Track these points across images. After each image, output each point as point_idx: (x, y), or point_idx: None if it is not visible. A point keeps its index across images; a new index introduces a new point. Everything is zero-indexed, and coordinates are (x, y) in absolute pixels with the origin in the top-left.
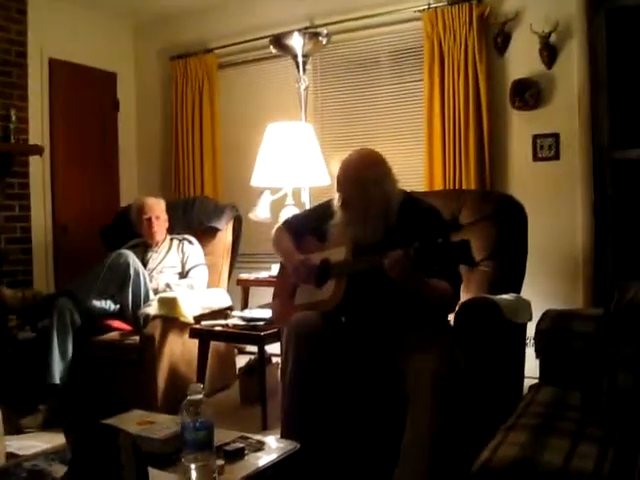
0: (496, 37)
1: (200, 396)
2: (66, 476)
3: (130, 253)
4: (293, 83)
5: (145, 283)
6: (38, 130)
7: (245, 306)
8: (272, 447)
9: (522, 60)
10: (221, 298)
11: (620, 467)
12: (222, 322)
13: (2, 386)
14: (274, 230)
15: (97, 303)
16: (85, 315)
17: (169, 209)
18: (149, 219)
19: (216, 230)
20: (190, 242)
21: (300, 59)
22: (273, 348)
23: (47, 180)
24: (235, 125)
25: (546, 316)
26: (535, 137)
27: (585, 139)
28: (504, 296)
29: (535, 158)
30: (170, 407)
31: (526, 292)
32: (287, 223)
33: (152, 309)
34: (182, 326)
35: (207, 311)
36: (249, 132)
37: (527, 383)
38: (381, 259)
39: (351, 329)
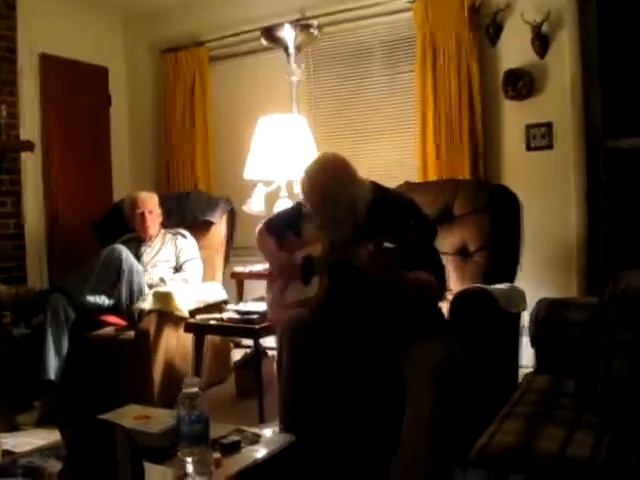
0: (488, 27)
1: (196, 389)
2: (62, 472)
3: (124, 248)
4: (285, 75)
5: (139, 278)
6: (29, 126)
7: (240, 299)
8: (268, 440)
9: (514, 50)
10: (216, 292)
11: (616, 454)
12: (217, 316)
13: None
14: (256, 232)
15: (91, 298)
16: (79, 311)
17: (162, 203)
18: (142, 213)
19: (210, 224)
20: (184, 236)
21: (292, 51)
22: (269, 341)
23: (39, 176)
24: (227, 118)
25: (540, 305)
26: (528, 127)
27: (578, 128)
28: (498, 286)
29: (528, 148)
30: (166, 401)
31: (520, 282)
32: (267, 224)
33: (147, 304)
34: (177, 320)
35: (202, 305)
36: (241, 125)
37: (522, 372)
38: (352, 252)
39: (342, 323)
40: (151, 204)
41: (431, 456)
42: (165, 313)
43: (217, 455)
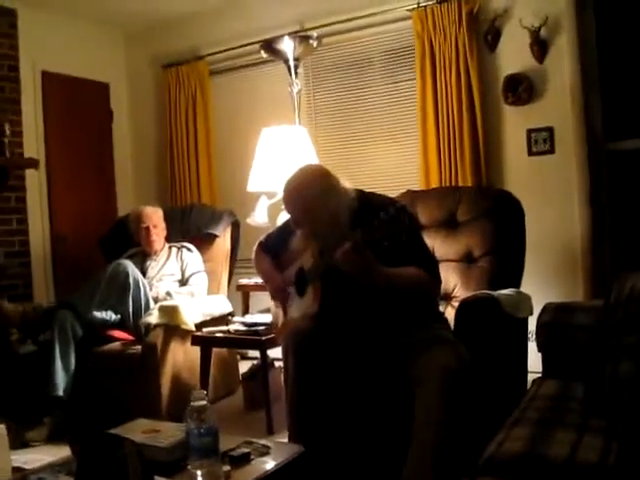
0: (486, 33)
1: (204, 402)
2: None
3: (129, 263)
4: (286, 87)
5: (145, 292)
6: (33, 143)
7: (246, 311)
8: (278, 451)
9: (513, 55)
10: (222, 304)
11: (625, 457)
12: (223, 328)
13: (6, 400)
14: (253, 252)
15: (98, 314)
16: (86, 326)
17: (166, 218)
18: (147, 228)
19: (214, 237)
20: (189, 249)
21: (292, 63)
22: (275, 352)
23: (44, 192)
24: (229, 131)
25: (546, 309)
26: (529, 131)
27: (579, 132)
28: (504, 291)
29: (530, 152)
30: (175, 415)
31: (526, 287)
32: (262, 244)
33: (153, 318)
34: (184, 334)
35: (208, 318)
36: (244, 137)
37: (530, 377)
38: (333, 256)
39: (341, 328)
40: (156, 218)
41: (439, 462)
42: (171, 327)
43: (227, 467)
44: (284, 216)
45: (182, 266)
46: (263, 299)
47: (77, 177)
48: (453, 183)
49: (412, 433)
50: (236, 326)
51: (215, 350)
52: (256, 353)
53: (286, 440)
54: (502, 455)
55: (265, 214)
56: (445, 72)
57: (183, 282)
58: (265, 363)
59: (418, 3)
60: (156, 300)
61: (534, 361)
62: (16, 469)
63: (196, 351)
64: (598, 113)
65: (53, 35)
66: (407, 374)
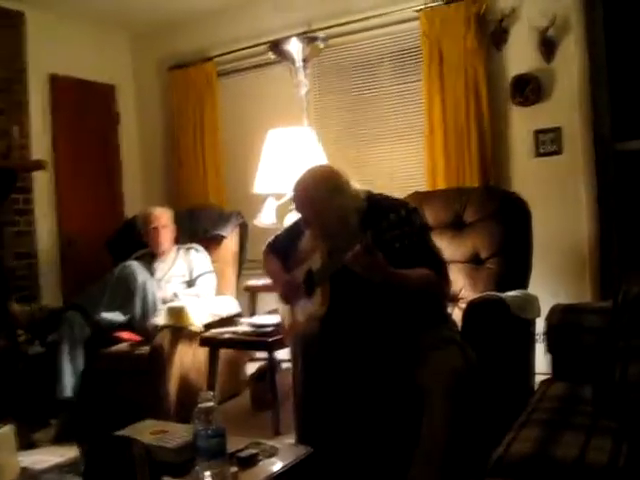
0: (493, 34)
1: (211, 404)
2: None
3: (137, 264)
4: (293, 88)
5: (153, 293)
6: (41, 145)
7: (253, 312)
8: (285, 452)
9: (521, 56)
10: (229, 305)
11: (635, 459)
12: (231, 329)
13: (14, 401)
14: (262, 253)
15: (105, 315)
16: (94, 328)
17: (174, 219)
18: (155, 228)
19: (222, 238)
20: (196, 250)
21: (299, 64)
22: (283, 354)
23: (51, 195)
24: (237, 132)
25: (555, 311)
26: (537, 132)
27: (587, 132)
28: (511, 293)
29: (537, 153)
30: (183, 416)
31: (533, 288)
32: (270, 246)
33: (161, 319)
34: (191, 335)
35: (216, 319)
36: (251, 139)
37: (538, 379)
38: (343, 257)
39: (350, 330)
40: (165, 219)
41: (447, 464)
42: (179, 328)
43: (234, 469)
44: (291, 217)
45: (190, 267)
46: (271, 300)
47: (84, 179)
48: (460, 184)
49: (419, 434)
50: (244, 327)
51: (222, 351)
52: (263, 354)
53: (293, 441)
54: (511, 456)
55: (272, 215)
56: (452, 73)
57: (191, 283)
58: (272, 364)
59: (425, 3)
60: (164, 301)
61: (541, 363)
62: (24, 470)
63: (204, 352)
64: (606, 113)
65: (60, 38)
66: (414, 375)
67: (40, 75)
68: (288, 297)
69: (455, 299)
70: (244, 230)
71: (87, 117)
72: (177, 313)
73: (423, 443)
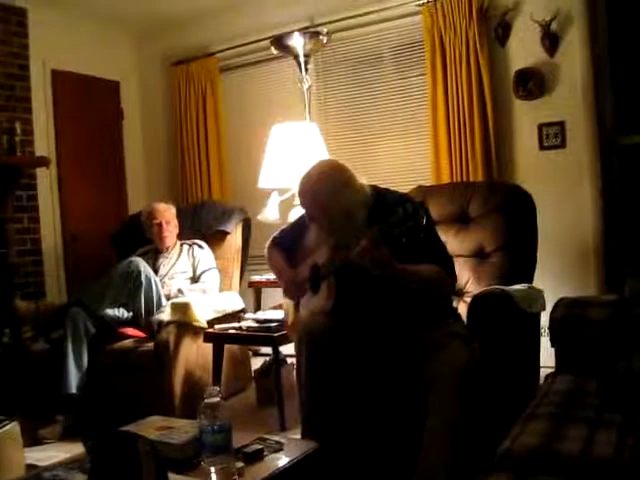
0: (496, 28)
1: (217, 399)
2: None
3: (141, 260)
4: (296, 83)
5: (157, 289)
6: (44, 142)
7: (258, 308)
8: (291, 447)
9: (524, 50)
10: (234, 301)
11: None
12: (235, 325)
13: (19, 398)
14: (266, 248)
15: (110, 311)
16: (98, 324)
17: (178, 215)
18: (159, 224)
19: (225, 233)
20: (200, 246)
21: (302, 59)
22: (288, 349)
23: (55, 191)
24: (240, 128)
25: (560, 304)
26: (540, 126)
27: (590, 126)
28: (516, 286)
29: (541, 147)
30: (188, 411)
31: (538, 281)
32: (275, 240)
33: (165, 315)
34: (196, 331)
35: (220, 315)
36: (254, 134)
37: (543, 373)
38: (350, 251)
39: (355, 324)
40: (168, 215)
41: (454, 459)
42: (184, 324)
43: (240, 464)
44: (296, 213)
45: (194, 263)
46: (275, 295)
47: (88, 175)
48: (464, 178)
49: (425, 429)
50: (248, 323)
51: (227, 347)
52: (268, 349)
53: (299, 436)
54: (518, 450)
55: (276, 211)
56: (455, 67)
57: (195, 279)
58: (277, 359)
59: None
60: (168, 297)
61: (547, 356)
62: (29, 466)
63: (208, 348)
64: (610, 107)
65: (63, 33)
66: (420, 370)
67: (43, 71)
68: (292, 292)
69: (460, 293)
70: (248, 226)
71: (91, 113)
72: (182, 309)
73: (429, 438)
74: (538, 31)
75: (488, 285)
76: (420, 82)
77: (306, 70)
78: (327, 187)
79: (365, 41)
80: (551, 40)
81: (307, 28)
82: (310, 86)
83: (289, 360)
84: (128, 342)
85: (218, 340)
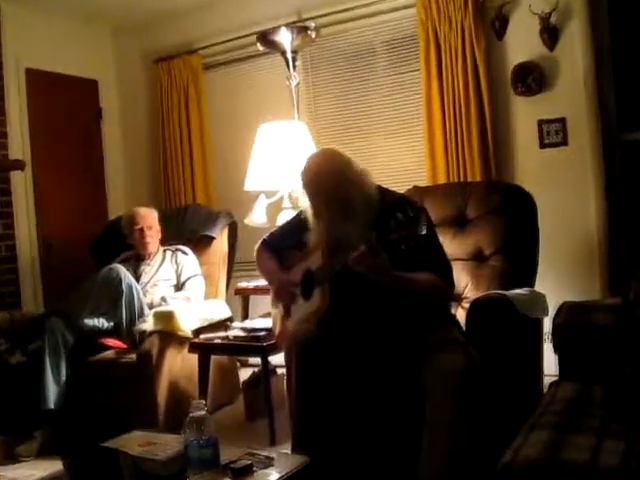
0: (493, 21)
1: (203, 412)
2: None
3: (121, 267)
4: (284, 80)
5: (139, 298)
6: (19, 144)
7: (246, 316)
8: (282, 462)
9: (522, 43)
10: (220, 309)
11: None
12: (222, 334)
13: None
14: (255, 250)
15: (89, 321)
16: (78, 335)
17: (161, 220)
18: (141, 229)
19: (211, 238)
20: (184, 253)
21: (289, 55)
22: (277, 359)
23: (30, 196)
24: (225, 128)
25: (562, 309)
26: (541, 123)
27: (593, 122)
28: (517, 291)
29: (542, 145)
30: (172, 425)
31: (540, 285)
32: (265, 242)
33: (148, 325)
34: (180, 341)
35: (206, 324)
36: (240, 134)
37: (547, 380)
38: (347, 256)
39: (349, 332)
40: (150, 219)
41: (453, 470)
42: (167, 334)
43: None
44: (284, 216)
45: (177, 270)
46: (263, 303)
47: (65, 179)
48: (461, 178)
49: (423, 439)
50: (235, 332)
51: (214, 357)
52: (257, 360)
53: (289, 450)
54: (520, 461)
55: (264, 214)
56: (451, 62)
57: (179, 287)
58: (267, 370)
59: None
60: (151, 306)
61: (550, 363)
62: None
63: (194, 359)
64: (612, 102)
65: (37, 31)
66: (417, 378)
67: (16, 70)
68: (284, 297)
69: (458, 298)
70: (234, 230)
71: (68, 113)
72: (165, 318)
73: (427, 448)
74: (537, 24)
75: (487, 289)
76: (414, 78)
77: (294, 67)
78: (348, 173)
79: (356, 36)
80: (550, 33)
81: (294, 23)
82: (298, 83)
83: (279, 370)
84: (109, 353)
85: (204, 350)
